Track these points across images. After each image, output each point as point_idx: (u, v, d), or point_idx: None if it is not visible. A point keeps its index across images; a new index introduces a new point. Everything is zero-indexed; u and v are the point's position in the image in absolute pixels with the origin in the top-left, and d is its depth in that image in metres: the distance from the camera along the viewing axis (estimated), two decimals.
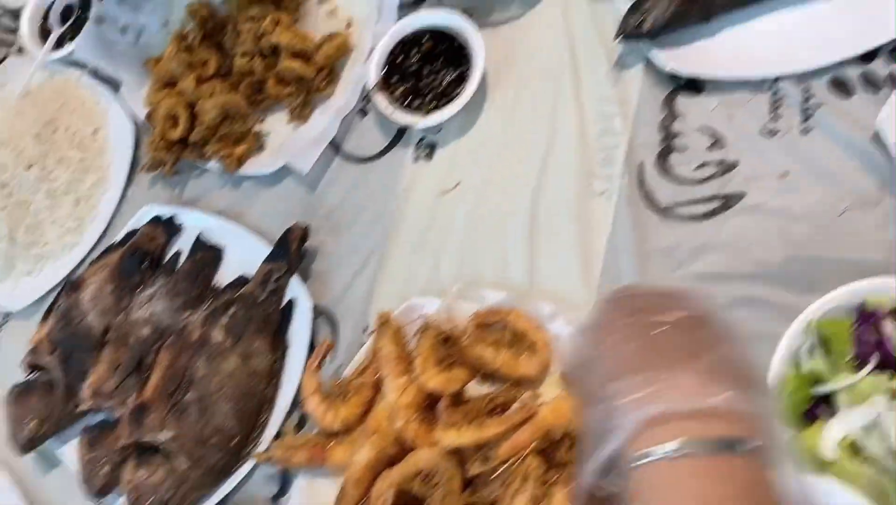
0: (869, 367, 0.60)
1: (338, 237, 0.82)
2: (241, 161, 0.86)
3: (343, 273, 0.81)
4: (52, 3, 1.05)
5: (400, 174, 0.82)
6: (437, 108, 0.79)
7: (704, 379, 0.37)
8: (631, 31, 0.73)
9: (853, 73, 0.70)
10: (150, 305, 0.82)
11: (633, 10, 0.73)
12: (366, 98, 0.84)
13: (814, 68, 0.70)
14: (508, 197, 0.77)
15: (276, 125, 0.88)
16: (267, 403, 0.78)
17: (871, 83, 0.69)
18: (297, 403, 0.76)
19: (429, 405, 0.67)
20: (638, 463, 0.36)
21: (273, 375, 0.78)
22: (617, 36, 0.74)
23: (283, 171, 0.85)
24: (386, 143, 0.84)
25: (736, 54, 0.73)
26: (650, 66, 0.75)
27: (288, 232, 0.81)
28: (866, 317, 0.62)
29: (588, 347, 0.44)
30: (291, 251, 0.80)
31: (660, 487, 0.36)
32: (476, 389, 0.70)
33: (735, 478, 0.36)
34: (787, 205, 0.68)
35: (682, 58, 0.73)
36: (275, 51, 0.85)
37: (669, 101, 0.75)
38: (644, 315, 0.41)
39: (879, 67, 0.69)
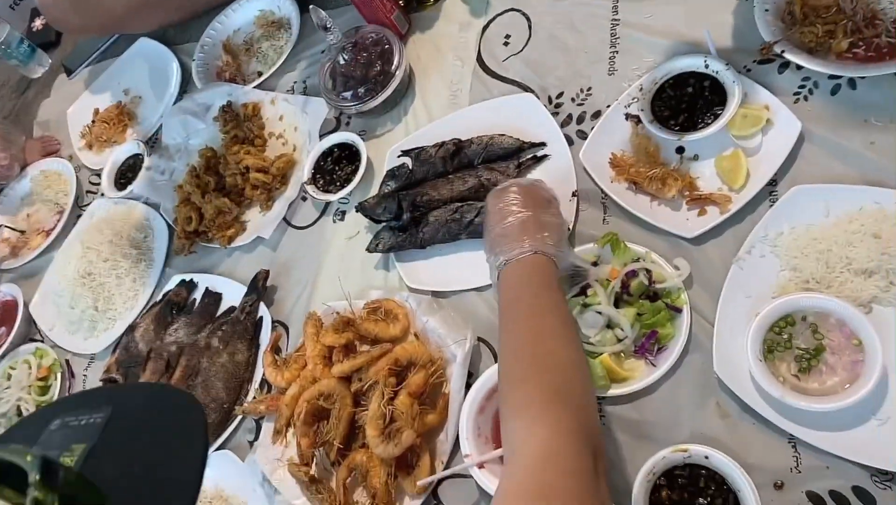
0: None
1: (288, 277, 1.29)
2: (231, 239, 1.36)
3: (291, 298, 1.27)
4: (120, 164, 1.62)
5: (324, 232, 1.30)
6: (342, 188, 1.28)
7: (536, 231, 0.88)
8: (374, 249, 1.18)
9: None
10: (176, 333, 1.30)
11: (374, 237, 1.18)
12: (303, 189, 1.34)
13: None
14: None
15: (252, 214, 1.39)
16: (246, 381, 1.22)
17: None
18: (264, 379, 1.19)
19: (330, 356, 1.10)
20: (502, 266, 0.86)
21: (250, 364, 1.23)
22: (367, 249, 1.18)
23: (256, 242, 1.35)
24: (317, 216, 1.33)
25: (441, 272, 1.14)
26: None
27: (256, 275, 1.28)
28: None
29: (488, 217, 0.95)
30: (259, 288, 1.28)
31: (505, 276, 0.86)
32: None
33: (532, 266, 0.85)
34: None
35: (411, 271, 1.16)
36: (247, 169, 1.37)
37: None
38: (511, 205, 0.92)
39: None
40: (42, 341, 1.51)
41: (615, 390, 0.93)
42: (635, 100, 1.09)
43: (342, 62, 1.32)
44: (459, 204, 1.12)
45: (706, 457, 0.83)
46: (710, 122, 1.01)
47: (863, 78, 0.97)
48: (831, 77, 0.99)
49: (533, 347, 0.78)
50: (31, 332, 1.55)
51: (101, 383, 1.32)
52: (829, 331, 0.85)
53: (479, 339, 1.07)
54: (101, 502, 0.48)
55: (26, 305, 1.55)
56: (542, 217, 0.91)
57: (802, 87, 1.01)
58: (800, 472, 0.82)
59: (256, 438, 1.16)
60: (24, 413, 1.41)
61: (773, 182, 0.97)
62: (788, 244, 0.92)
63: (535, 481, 0.65)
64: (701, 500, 0.83)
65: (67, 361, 1.45)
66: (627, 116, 1.10)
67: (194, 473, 0.52)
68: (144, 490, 0.51)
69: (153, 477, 0.52)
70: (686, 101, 1.05)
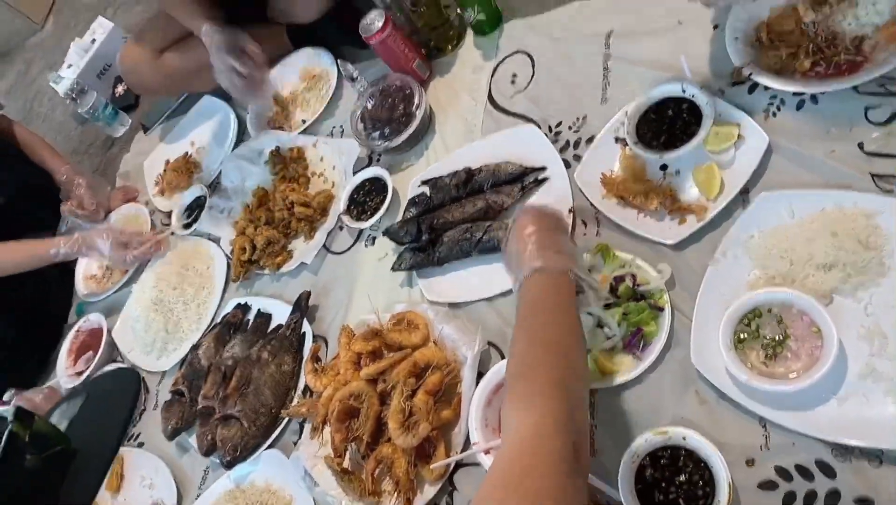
0: None
1: (327, 297, 1.46)
2: (279, 266, 1.55)
3: (330, 315, 1.44)
4: (188, 204, 1.86)
5: (357, 256, 1.46)
6: (372, 216, 1.45)
7: (552, 253, 0.94)
8: (398, 267, 1.34)
9: None
10: (232, 349, 1.48)
11: (398, 258, 1.35)
12: (339, 219, 1.51)
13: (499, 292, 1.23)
14: None
15: (297, 243, 1.58)
16: (292, 388, 1.38)
17: None
18: (306, 386, 1.35)
19: (360, 362, 1.25)
20: (526, 276, 0.93)
21: (294, 374, 1.39)
22: (392, 268, 1.35)
23: (301, 267, 1.53)
24: (351, 242, 1.50)
25: (456, 286, 1.29)
26: None
27: (299, 297, 1.46)
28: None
29: (514, 234, 1.01)
30: (302, 307, 1.45)
31: (529, 284, 0.93)
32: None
33: (556, 281, 0.93)
34: None
35: (430, 286, 1.32)
36: (293, 204, 1.56)
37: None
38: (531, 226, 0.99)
39: None
40: (123, 362, 1.73)
41: (606, 383, 1.04)
42: (623, 125, 1.22)
43: (369, 107, 1.51)
44: (469, 224, 1.27)
45: (684, 438, 0.92)
46: (686, 140, 1.12)
47: (823, 93, 1.06)
48: (796, 94, 1.09)
49: (542, 348, 0.88)
50: (113, 354, 1.77)
51: (170, 396, 1.51)
52: (793, 321, 0.94)
53: (489, 343, 1.19)
54: (65, 439, 0.81)
55: (109, 332, 1.77)
56: (568, 244, 1.02)
57: (771, 104, 1.11)
58: (769, 449, 0.90)
59: (300, 439, 1.32)
60: None
61: (745, 191, 1.07)
62: (758, 246, 1.01)
63: (525, 454, 0.75)
64: (680, 477, 0.92)
65: (143, 379, 1.66)
66: (616, 140, 1.23)
67: (122, 422, 1.02)
68: (95, 434, 0.83)
69: (101, 427, 0.88)
70: (667, 123, 1.16)
